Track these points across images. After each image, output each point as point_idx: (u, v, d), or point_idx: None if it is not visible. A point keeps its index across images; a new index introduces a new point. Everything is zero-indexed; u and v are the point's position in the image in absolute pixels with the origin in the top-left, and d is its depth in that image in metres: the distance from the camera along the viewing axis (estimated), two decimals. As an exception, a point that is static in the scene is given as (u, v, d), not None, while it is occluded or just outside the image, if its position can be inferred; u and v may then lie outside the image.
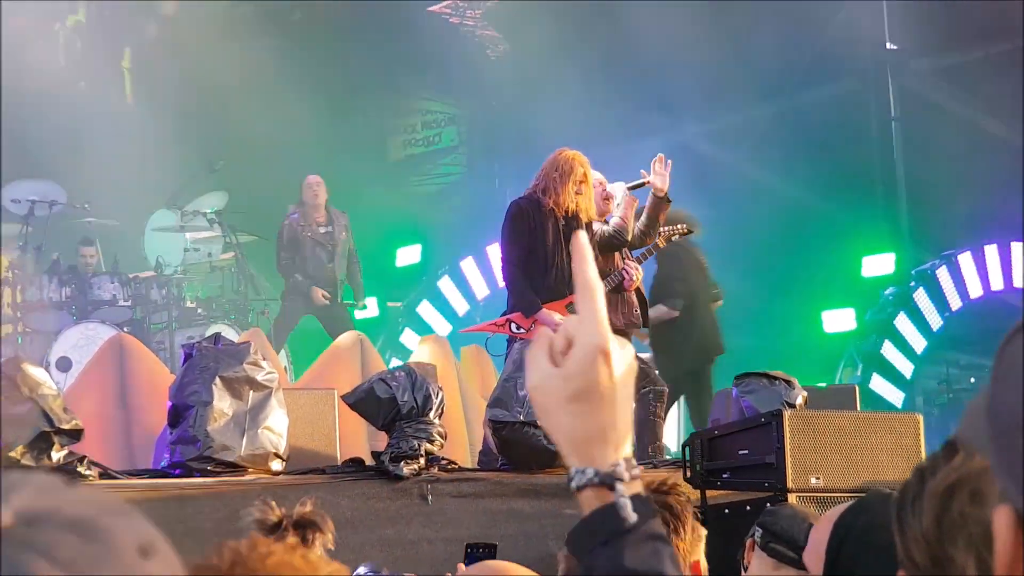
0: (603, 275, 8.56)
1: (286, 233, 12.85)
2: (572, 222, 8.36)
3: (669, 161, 8.79)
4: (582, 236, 1.66)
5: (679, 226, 8.93)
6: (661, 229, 8.87)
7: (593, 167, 8.65)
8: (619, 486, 1.56)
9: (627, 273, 8.57)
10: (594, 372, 1.55)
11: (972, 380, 15.49)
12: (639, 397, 8.63)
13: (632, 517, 1.55)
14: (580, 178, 8.36)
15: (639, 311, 8.91)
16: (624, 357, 1.59)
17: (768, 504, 6.19)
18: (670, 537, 2.92)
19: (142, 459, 8.94)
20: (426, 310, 15.41)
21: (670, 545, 1.59)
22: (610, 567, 1.54)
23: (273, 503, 3.83)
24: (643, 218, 8.81)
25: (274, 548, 1.71)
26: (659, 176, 8.75)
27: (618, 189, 8.87)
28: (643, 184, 8.91)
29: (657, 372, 9.09)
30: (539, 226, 8.34)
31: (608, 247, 8.64)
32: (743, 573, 4.80)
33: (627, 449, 1.60)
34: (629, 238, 8.70)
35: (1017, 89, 14.71)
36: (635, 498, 1.57)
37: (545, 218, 8.35)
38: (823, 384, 13.76)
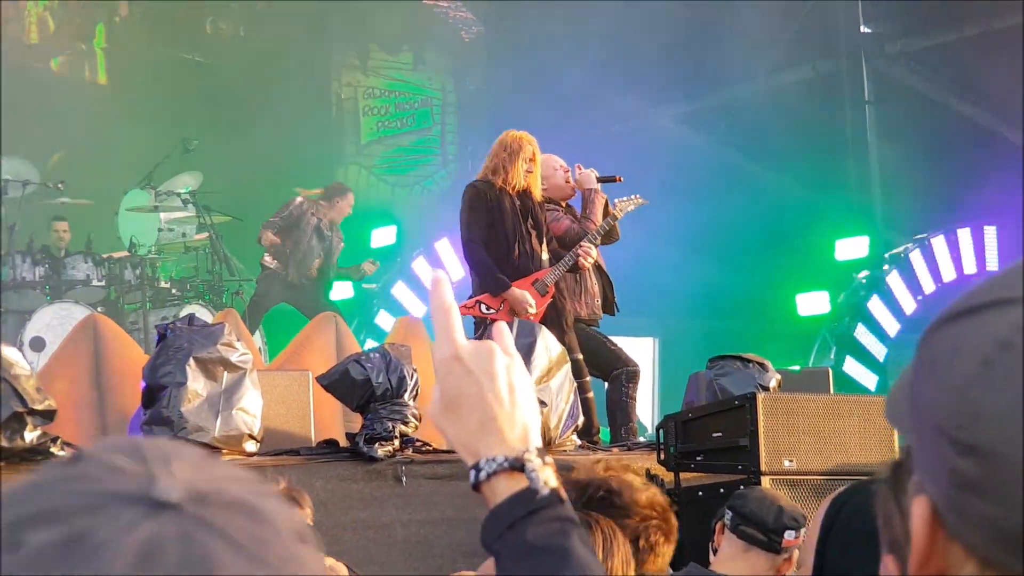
0: (557, 257, 8.61)
1: (293, 209, 12.90)
2: (526, 201, 8.44)
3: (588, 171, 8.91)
4: (441, 274, 1.73)
5: (634, 196, 8.94)
6: (616, 200, 8.89)
7: (565, 150, 8.71)
8: (529, 463, 1.60)
9: (580, 250, 8.58)
10: (452, 378, 1.63)
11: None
12: (611, 378, 8.66)
13: (544, 490, 1.58)
14: (529, 156, 8.45)
15: (600, 300, 8.96)
16: (485, 351, 1.64)
17: (740, 487, 6.23)
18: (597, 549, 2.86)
19: (116, 439, 8.91)
20: (401, 292, 15.38)
21: (580, 526, 1.60)
22: (513, 549, 1.56)
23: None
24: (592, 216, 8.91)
25: None
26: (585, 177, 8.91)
27: (588, 176, 8.92)
28: (614, 180, 8.96)
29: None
30: (496, 206, 8.38)
31: (574, 243, 8.66)
32: (712, 556, 4.83)
33: (524, 438, 1.63)
34: (598, 242, 8.75)
35: (991, 72, 14.76)
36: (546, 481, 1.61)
37: (500, 198, 8.40)
38: (797, 367, 13.82)
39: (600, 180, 8.94)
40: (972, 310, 1.03)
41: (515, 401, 1.63)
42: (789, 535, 4.65)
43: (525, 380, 1.66)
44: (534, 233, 8.49)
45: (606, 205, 8.92)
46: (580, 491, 2.97)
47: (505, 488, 1.59)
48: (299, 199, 13.06)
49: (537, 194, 8.54)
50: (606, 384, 8.77)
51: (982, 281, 1.05)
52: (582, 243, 8.62)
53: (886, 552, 1.13)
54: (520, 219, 8.42)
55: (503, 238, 8.39)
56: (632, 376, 8.70)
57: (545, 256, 8.59)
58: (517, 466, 1.60)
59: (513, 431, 1.62)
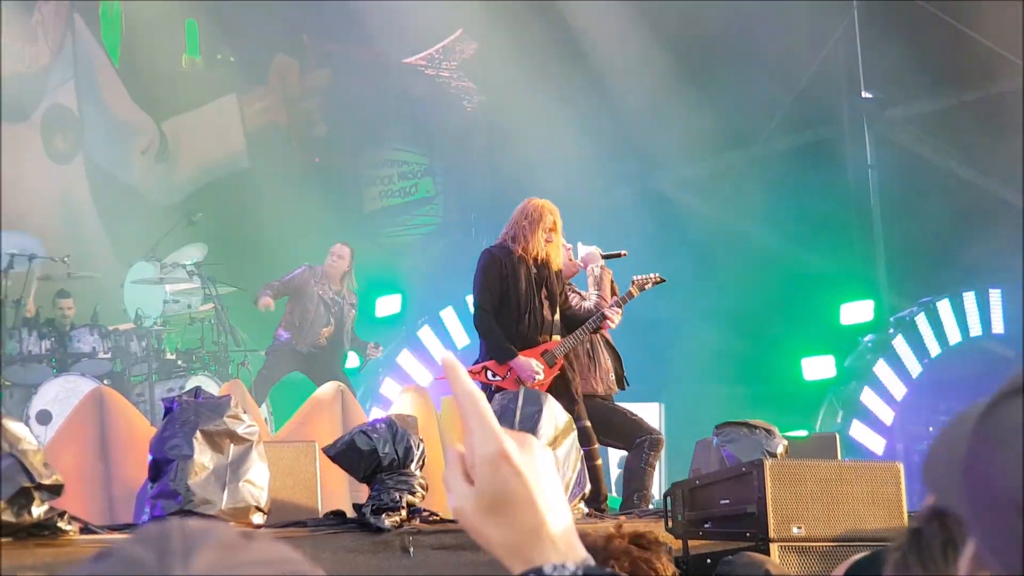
0: (584, 318, 8.61)
1: (297, 278, 12.93)
2: (543, 270, 8.44)
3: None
4: (449, 357, 1.61)
5: (653, 275, 8.98)
6: (635, 278, 8.93)
7: (566, 217, 8.73)
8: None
9: (608, 313, 8.59)
10: (499, 479, 1.52)
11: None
12: (634, 446, 8.64)
13: None
14: (549, 226, 8.44)
15: (615, 375, 8.99)
16: (529, 448, 1.55)
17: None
18: None
19: (123, 512, 8.89)
20: (406, 360, 15.40)
21: None
22: None
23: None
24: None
25: None
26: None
27: (593, 254, 8.95)
28: (619, 255, 9.00)
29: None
30: (511, 274, 8.39)
31: (580, 322, 8.67)
32: None
33: (572, 543, 1.55)
34: (618, 313, 8.74)
35: (991, 136, 14.84)
36: None
37: (517, 266, 8.40)
38: (804, 431, 13.79)
39: (605, 257, 8.98)
40: None
41: (561, 502, 1.56)
42: None
43: (556, 475, 1.59)
44: (547, 303, 8.49)
45: (612, 282, 8.98)
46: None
47: None
48: (302, 269, 13.09)
49: (556, 264, 8.53)
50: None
51: None
52: (609, 305, 8.62)
53: None
54: (535, 288, 8.42)
55: (514, 306, 8.40)
56: (655, 444, 8.66)
57: (557, 327, 8.59)
58: (592, 573, 1.52)
59: (563, 535, 1.54)
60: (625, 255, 9.04)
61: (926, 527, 1.12)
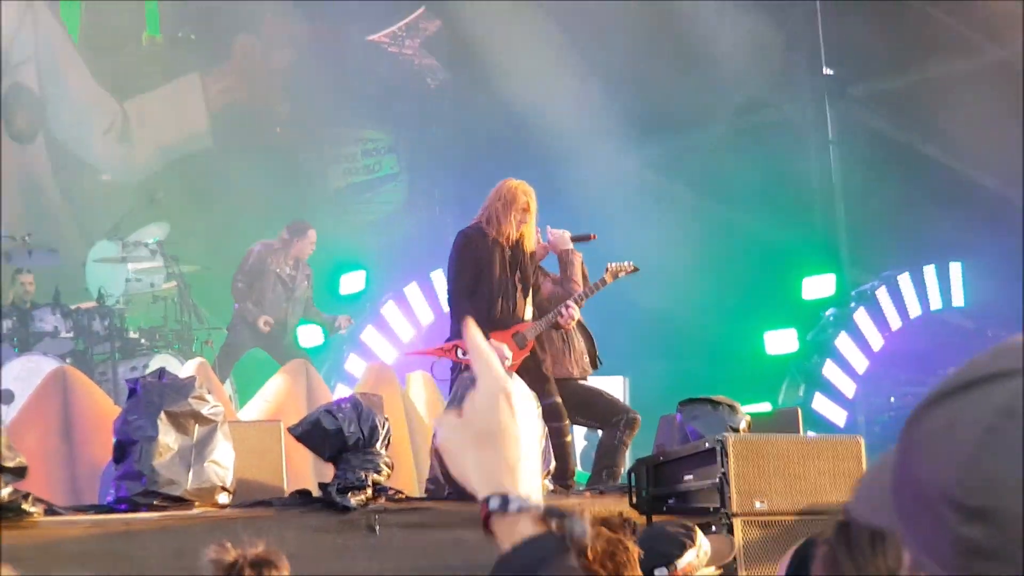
0: (542, 312, 8.65)
1: (252, 260, 12.91)
2: (517, 252, 8.44)
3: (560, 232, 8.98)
4: (471, 325, 1.78)
5: (627, 264, 9.02)
6: (609, 265, 8.96)
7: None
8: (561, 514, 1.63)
9: (564, 311, 8.63)
10: (497, 411, 1.65)
11: (912, 398, 15.66)
12: (610, 424, 8.68)
13: (567, 542, 1.61)
14: (523, 207, 8.43)
15: (588, 357, 9.02)
16: (527, 398, 1.68)
17: (713, 528, 6.27)
18: None
19: (87, 491, 8.89)
20: (371, 336, 15.39)
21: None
22: None
23: (228, 543, 3.85)
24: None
25: None
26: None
27: (562, 238, 8.97)
28: (588, 238, 9.02)
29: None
30: (486, 255, 8.39)
31: (548, 310, 8.72)
32: None
33: (538, 492, 1.66)
34: (583, 303, 8.80)
35: (953, 112, 14.92)
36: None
37: (491, 247, 8.40)
38: (767, 405, 13.87)
39: (574, 239, 9.00)
40: (964, 387, 1.07)
41: (537, 453, 1.69)
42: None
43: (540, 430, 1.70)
44: (520, 286, 8.52)
45: (583, 265, 9.01)
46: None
47: (527, 529, 1.62)
48: (256, 247, 13.06)
49: (529, 246, 8.53)
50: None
51: (966, 364, 1.10)
52: (567, 303, 8.65)
53: None
54: (508, 271, 8.44)
55: (488, 288, 8.42)
56: (631, 423, 8.69)
57: (529, 310, 8.62)
58: (553, 514, 1.63)
59: (532, 479, 1.66)
60: (595, 238, 9.07)
61: (852, 522, 1.15)
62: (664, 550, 4.68)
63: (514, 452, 1.64)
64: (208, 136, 17.62)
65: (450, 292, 8.55)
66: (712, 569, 4.90)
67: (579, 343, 9.01)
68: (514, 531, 1.62)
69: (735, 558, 6.16)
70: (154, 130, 17.29)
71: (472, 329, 1.75)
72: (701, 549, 4.78)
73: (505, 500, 1.62)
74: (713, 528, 6.32)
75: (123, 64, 16.86)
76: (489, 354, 1.70)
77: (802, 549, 2.50)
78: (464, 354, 8.42)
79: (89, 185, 16.35)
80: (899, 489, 1.10)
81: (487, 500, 1.62)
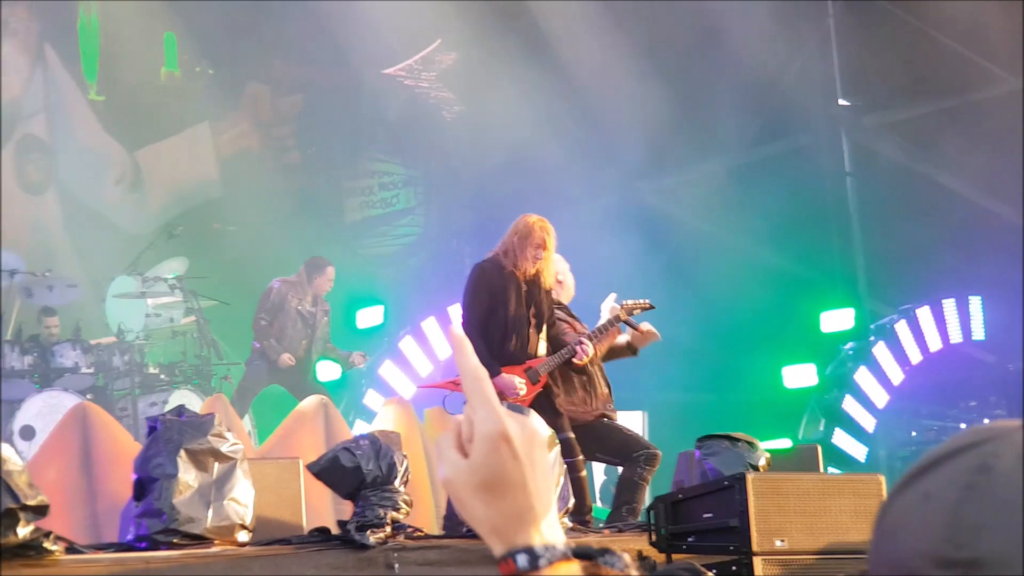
0: (557, 348, 8.63)
1: (273, 297, 12.93)
2: (533, 287, 8.44)
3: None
4: (456, 328, 1.65)
5: (643, 301, 9.00)
6: (624, 302, 8.94)
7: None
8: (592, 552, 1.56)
9: (578, 347, 8.61)
10: (497, 458, 1.53)
11: (934, 433, 15.61)
12: (630, 460, 8.65)
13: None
14: (539, 243, 8.41)
15: (610, 392, 8.97)
16: (528, 434, 1.56)
17: (733, 568, 6.25)
18: None
19: (107, 527, 8.90)
20: (389, 371, 15.40)
21: None
22: None
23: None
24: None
25: None
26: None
27: (608, 302, 8.96)
28: (634, 325, 8.97)
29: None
30: (501, 289, 8.39)
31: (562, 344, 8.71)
32: None
33: (552, 530, 1.56)
34: (596, 341, 8.77)
35: (969, 143, 14.91)
36: None
37: (507, 281, 8.40)
38: (787, 440, 13.83)
39: (624, 312, 8.96)
40: (932, 464, 1.08)
41: (550, 491, 1.58)
42: None
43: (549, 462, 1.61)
44: (534, 322, 8.50)
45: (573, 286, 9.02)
46: None
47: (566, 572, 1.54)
48: (276, 284, 13.08)
49: (547, 282, 8.50)
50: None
51: (927, 452, 1.11)
52: (581, 340, 8.63)
53: None
54: (524, 306, 8.43)
55: (502, 322, 8.40)
56: (651, 459, 8.62)
57: (543, 345, 8.60)
58: (581, 553, 1.55)
59: (548, 523, 1.56)
60: (651, 307, 9.08)
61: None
62: None
63: (521, 501, 1.54)
64: (218, 185, 17.66)
65: (464, 324, 8.54)
66: None
67: (600, 385, 8.93)
68: None
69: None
70: (165, 179, 17.35)
71: (465, 348, 1.59)
72: None
73: (533, 555, 1.52)
74: (734, 568, 6.31)
75: (136, 110, 16.90)
76: (483, 383, 1.56)
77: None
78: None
79: (101, 234, 16.36)
80: (880, 564, 1.10)
81: (512, 558, 1.53)
